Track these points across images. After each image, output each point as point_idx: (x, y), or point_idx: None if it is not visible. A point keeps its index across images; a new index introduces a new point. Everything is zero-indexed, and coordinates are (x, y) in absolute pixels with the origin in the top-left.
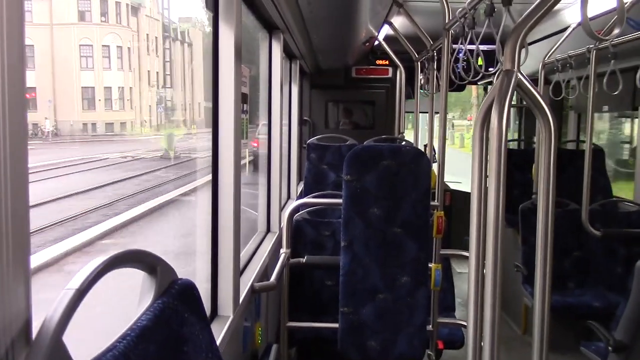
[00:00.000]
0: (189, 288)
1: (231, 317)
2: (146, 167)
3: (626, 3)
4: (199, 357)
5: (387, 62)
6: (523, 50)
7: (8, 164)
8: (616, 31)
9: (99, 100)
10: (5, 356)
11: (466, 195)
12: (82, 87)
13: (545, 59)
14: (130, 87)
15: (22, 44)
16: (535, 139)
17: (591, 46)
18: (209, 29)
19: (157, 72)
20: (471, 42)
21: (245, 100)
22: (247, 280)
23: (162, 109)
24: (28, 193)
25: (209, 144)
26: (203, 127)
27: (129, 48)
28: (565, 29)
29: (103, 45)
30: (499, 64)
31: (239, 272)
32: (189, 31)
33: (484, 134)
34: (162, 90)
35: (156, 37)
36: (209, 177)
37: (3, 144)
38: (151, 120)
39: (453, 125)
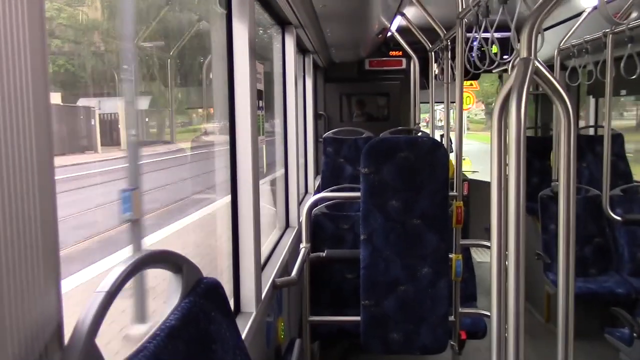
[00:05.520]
0: (215, 287)
1: (254, 313)
2: None
3: None
4: (227, 354)
5: (400, 53)
6: (539, 37)
7: (35, 164)
8: (634, 14)
9: None
10: None
11: (484, 185)
12: None
13: (561, 44)
14: None
15: (44, 48)
16: (552, 126)
17: (607, 30)
18: None
19: None
20: (485, 30)
21: (261, 97)
22: (269, 276)
23: None
24: (55, 196)
25: None
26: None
27: None
28: (580, 14)
29: None
30: (514, 51)
31: (260, 268)
32: None
33: (503, 122)
34: None
35: None
36: None
37: (29, 143)
38: None
39: None
